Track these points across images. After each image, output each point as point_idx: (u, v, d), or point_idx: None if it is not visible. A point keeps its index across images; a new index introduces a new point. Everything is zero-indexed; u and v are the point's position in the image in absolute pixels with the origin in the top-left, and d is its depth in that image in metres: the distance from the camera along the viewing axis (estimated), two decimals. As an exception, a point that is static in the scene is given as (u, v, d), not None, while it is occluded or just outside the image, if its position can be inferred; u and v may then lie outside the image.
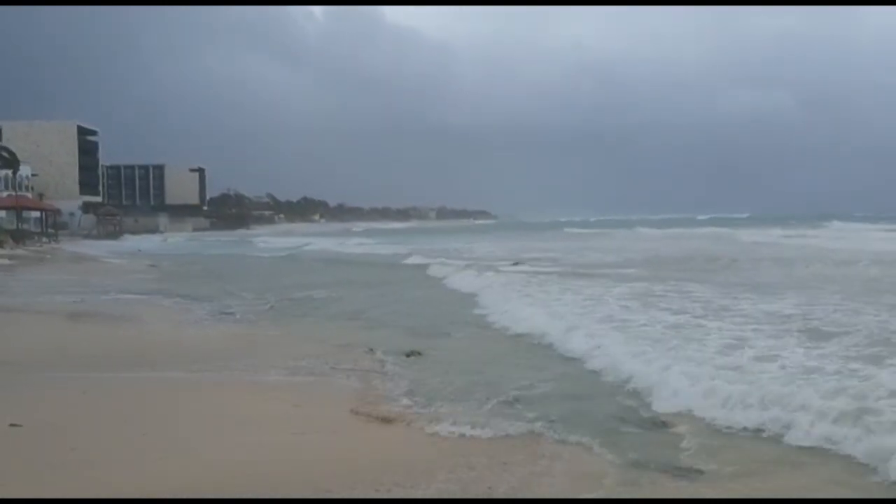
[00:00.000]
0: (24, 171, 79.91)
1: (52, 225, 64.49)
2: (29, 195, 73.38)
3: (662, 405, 7.56)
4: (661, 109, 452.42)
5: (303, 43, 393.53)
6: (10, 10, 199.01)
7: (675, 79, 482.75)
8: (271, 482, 5.41)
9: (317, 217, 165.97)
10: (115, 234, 79.25)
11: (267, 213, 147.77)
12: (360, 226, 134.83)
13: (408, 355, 10.51)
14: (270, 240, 66.70)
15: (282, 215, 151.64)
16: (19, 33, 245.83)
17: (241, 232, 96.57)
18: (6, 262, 33.97)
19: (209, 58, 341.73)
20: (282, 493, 5.21)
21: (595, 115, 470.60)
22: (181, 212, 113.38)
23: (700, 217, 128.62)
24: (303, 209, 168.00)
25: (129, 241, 67.35)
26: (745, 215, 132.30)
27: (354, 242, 57.43)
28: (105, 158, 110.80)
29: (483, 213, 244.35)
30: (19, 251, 43.18)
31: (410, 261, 32.30)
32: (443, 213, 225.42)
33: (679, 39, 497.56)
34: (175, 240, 73.30)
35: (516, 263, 26.89)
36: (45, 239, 57.60)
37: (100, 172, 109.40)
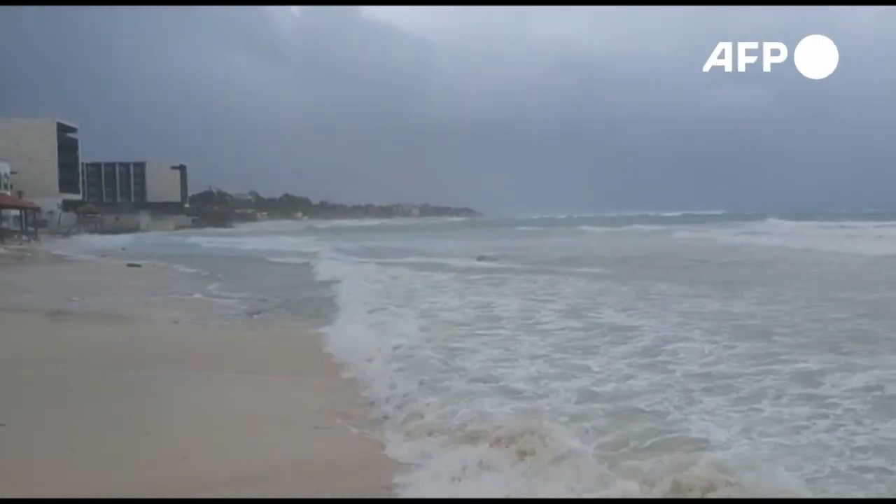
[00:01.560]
0: (3, 168, 79.01)
1: (32, 223, 63.78)
2: (8, 193, 72.58)
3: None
4: (643, 106, 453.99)
5: (281, 40, 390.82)
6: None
7: (656, 76, 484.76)
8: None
9: (300, 215, 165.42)
10: (95, 232, 78.58)
11: (249, 210, 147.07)
12: (333, 224, 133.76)
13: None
14: (218, 239, 63.84)
15: (265, 213, 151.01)
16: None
17: (210, 230, 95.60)
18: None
19: (188, 56, 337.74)
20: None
21: (577, 112, 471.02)
22: (163, 210, 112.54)
23: (674, 214, 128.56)
24: (286, 207, 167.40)
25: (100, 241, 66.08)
26: (719, 212, 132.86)
27: (293, 242, 53.44)
28: (85, 156, 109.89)
29: (466, 211, 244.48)
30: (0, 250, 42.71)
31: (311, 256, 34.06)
32: (426, 211, 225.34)
33: (660, 36, 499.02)
34: (150, 238, 72.20)
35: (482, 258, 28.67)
36: (24, 237, 56.99)
37: (80, 170, 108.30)
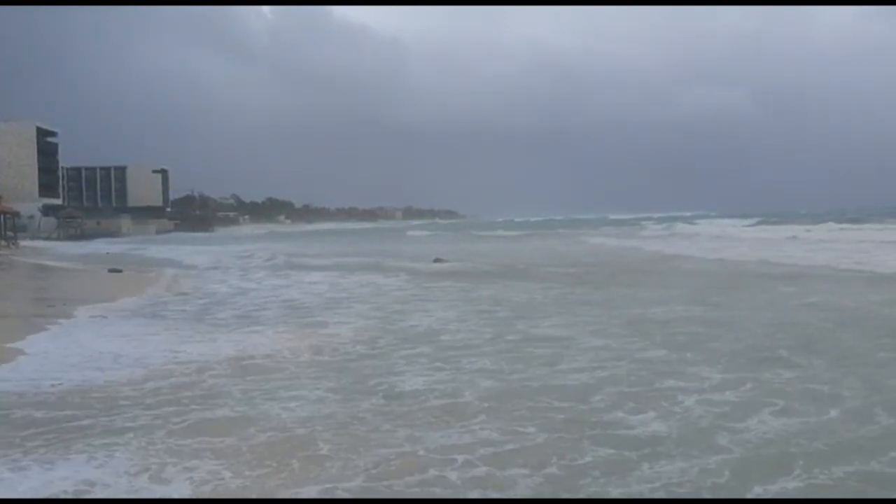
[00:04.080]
0: (-19, 172, 77.90)
1: (12, 228, 62.80)
2: (-14, 197, 71.44)
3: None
4: (620, 107, 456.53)
5: (255, 42, 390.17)
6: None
7: (633, 76, 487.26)
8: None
9: (282, 218, 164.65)
10: (76, 237, 77.58)
11: (231, 214, 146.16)
12: (318, 227, 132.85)
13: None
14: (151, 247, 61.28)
15: (247, 216, 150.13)
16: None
17: (175, 235, 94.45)
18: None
19: (161, 58, 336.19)
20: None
21: (554, 114, 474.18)
22: (144, 214, 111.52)
23: (653, 216, 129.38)
24: (268, 210, 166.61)
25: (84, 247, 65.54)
26: (688, 213, 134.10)
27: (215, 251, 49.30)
28: (65, 161, 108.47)
29: (449, 213, 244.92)
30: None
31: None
32: (409, 213, 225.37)
33: (635, 37, 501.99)
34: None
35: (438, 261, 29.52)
36: (3, 242, 56.04)
37: (60, 174, 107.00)
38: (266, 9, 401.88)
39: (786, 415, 6.78)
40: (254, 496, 5.09)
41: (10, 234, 60.75)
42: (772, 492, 5.07)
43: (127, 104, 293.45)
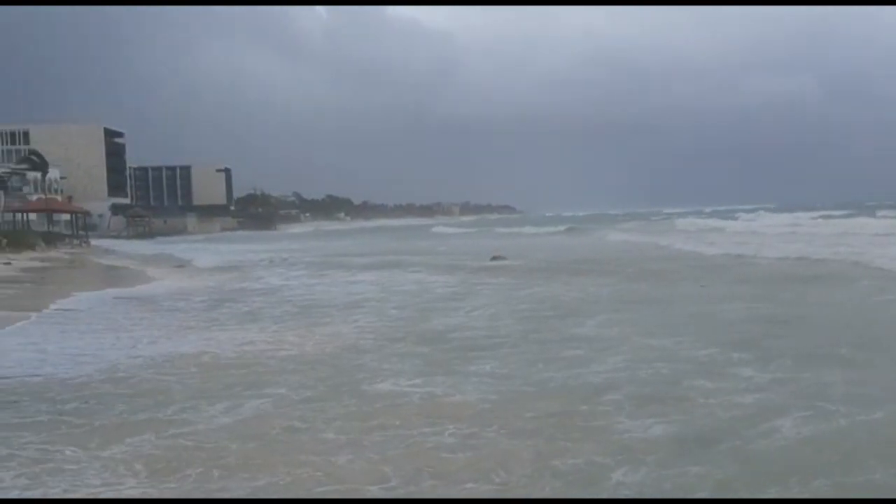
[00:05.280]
0: (54, 174, 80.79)
1: (83, 227, 64.98)
2: (58, 198, 74.12)
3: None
4: (680, 96, 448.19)
5: (311, 41, 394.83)
6: (23, 12, 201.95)
7: (693, 64, 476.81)
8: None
9: (342, 215, 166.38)
10: (144, 235, 79.93)
11: (293, 211, 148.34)
12: (377, 224, 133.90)
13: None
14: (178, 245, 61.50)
15: (307, 214, 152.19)
16: (33, 34, 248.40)
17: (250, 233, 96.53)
18: (38, 264, 34.15)
19: (221, 58, 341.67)
20: None
21: (611, 105, 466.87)
22: (209, 212, 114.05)
23: (707, 210, 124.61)
24: (328, 207, 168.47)
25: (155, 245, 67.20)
26: (750, 206, 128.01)
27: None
28: (131, 161, 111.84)
29: (507, 208, 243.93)
30: (52, 253, 43.48)
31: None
32: (466, 209, 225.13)
33: (695, 25, 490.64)
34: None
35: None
36: (76, 241, 58.07)
37: (127, 174, 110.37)
38: (321, 8, 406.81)
39: (811, 421, 6.27)
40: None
41: (81, 232, 62.93)
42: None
43: (188, 104, 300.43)
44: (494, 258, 28.15)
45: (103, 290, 20.60)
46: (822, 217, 57.00)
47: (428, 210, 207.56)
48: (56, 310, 15.63)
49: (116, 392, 8.07)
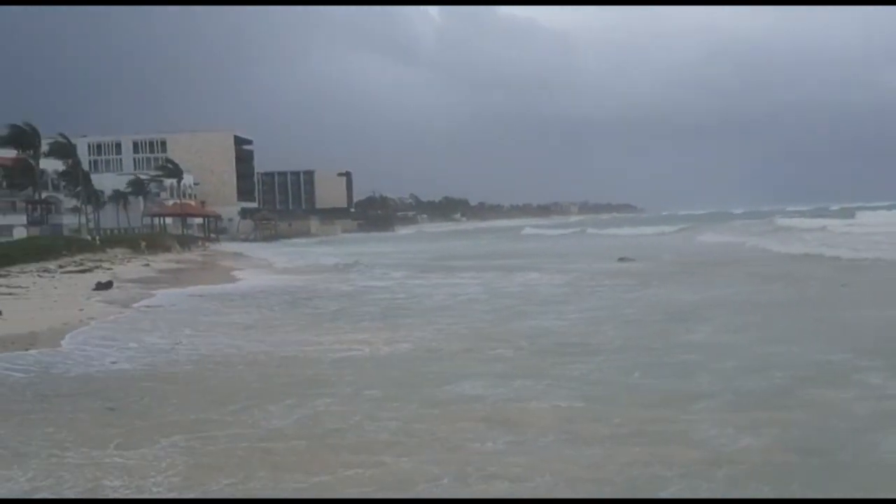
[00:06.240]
0: (188, 180, 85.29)
1: (214, 230, 68.40)
2: (192, 202, 78.29)
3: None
4: (807, 91, 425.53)
5: (423, 43, 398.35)
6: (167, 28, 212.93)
7: (823, 57, 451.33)
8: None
9: (458, 216, 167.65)
10: (270, 238, 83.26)
11: (410, 213, 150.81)
12: (492, 224, 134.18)
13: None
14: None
15: (424, 215, 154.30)
16: (174, 39, 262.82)
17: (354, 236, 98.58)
18: (174, 265, 36.21)
19: (336, 63, 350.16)
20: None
21: (735, 101, 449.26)
22: (330, 215, 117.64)
23: (833, 207, 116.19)
24: (444, 209, 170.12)
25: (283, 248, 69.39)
26: (878, 204, 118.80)
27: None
28: (258, 166, 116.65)
29: (627, 207, 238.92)
30: (186, 255, 46.05)
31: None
32: (585, 208, 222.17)
33: (829, 13, 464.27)
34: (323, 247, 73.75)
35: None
36: (209, 244, 61.28)
37: (255, 179, 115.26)
38: (433, 9, 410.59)
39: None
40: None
41: (213, 235, 66.33)
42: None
43: (306, 110, 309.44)
44: (621, 259, 27.68)
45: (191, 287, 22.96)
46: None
47: (545, 210, 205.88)
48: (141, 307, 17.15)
49: (171, 389, 8.65)
